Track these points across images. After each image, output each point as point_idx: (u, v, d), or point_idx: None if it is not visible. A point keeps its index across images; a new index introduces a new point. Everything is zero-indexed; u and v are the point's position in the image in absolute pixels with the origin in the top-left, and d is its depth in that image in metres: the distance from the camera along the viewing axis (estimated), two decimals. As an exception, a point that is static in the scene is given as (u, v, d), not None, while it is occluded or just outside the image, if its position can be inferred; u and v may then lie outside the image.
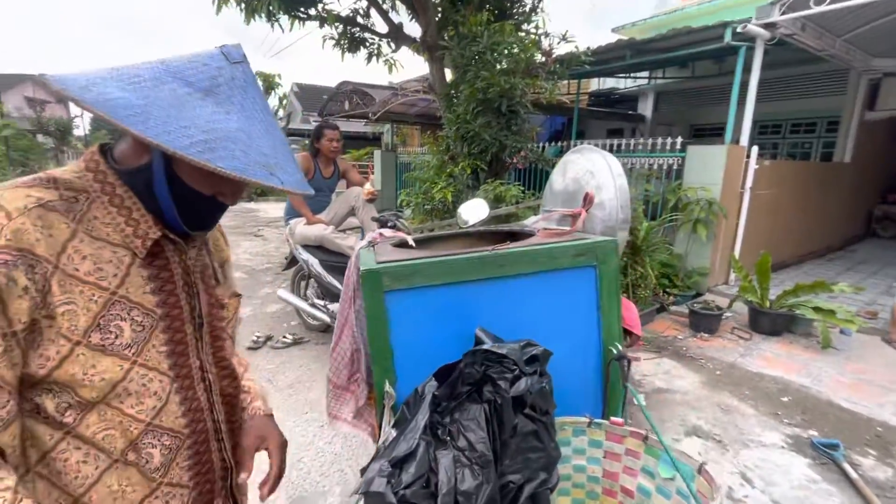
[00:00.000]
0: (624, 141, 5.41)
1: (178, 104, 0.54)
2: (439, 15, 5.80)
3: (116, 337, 0.60)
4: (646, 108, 9.38)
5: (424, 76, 7.24)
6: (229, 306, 0.80)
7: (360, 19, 6.19)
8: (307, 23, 6.03)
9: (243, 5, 5.48)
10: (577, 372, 0.80)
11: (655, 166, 5.09)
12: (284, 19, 5.81)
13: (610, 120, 9.73)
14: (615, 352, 0.77)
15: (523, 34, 5.49)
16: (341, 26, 6.14)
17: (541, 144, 6.55)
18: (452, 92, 5.41)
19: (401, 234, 1.06)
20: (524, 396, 0.59)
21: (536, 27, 5.61)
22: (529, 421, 0.62)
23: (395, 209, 6.55)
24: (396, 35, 6.11)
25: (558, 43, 5.24)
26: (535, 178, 6.34)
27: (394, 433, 0.63)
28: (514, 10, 6.02)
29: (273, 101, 16.34)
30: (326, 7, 5.95)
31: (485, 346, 0.61)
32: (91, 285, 0.58)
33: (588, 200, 0.89)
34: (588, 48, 5.59)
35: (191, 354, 0.70)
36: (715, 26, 4.62)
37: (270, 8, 5.42)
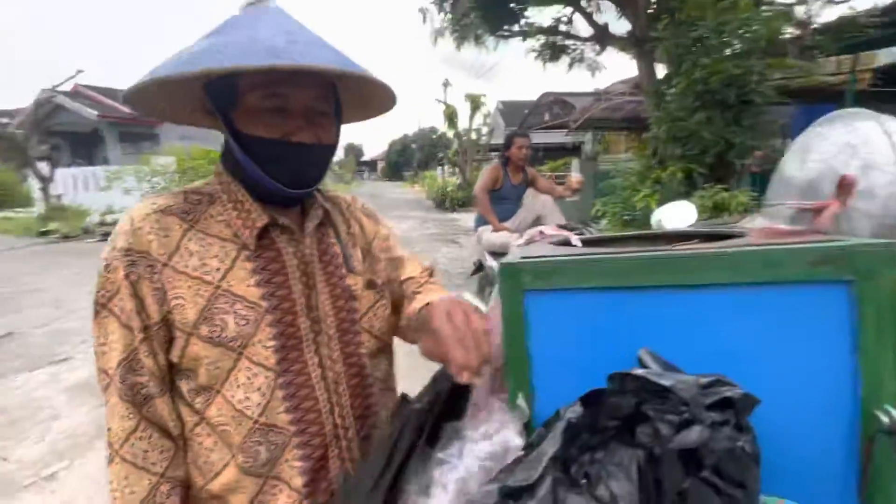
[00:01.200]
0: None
1: (183, 49, 0.59)
2: (654, 6, 5.25)
3: (222, 330, 0.61)
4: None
5: (633, 77, 6.67)
6: (362, 299, 0.73)
7: (562, 27, 6.15)
8: (510, 40, 6.34)
9: (456, 34, 6.15)
10: (808, 437, 0.54)
11: None
12: (490, 40, 6.26)
13: (910, 103, 7.01)
14: (886, 421, 0.49)
15: (766, 6, 4.46)
16: (543, 37, 6.23)
17: (791, 141, 5.19)
18: (663, 87, 4.79)
19: (564, 233, 0.92)
20: (701, 453, 0.41)
21: (787, -6, 4.49)
22: (711, 489, 0.43)
23: (589, 221, 6.17)
24: (601, 36, 5.83)
25: (821, 7, 4.07)
26: (775, 184, 5.06)
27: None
28: (755, -19, 4.96)
29: (478, 119, 17.81)
30: (528, 21, 6.13)
31: (639, 371, 0.45)
32: (197, 280, 0.61)
33: (845, 187, 0.58)
34: (875, 6, 4.16)
35: (306, 350, 0.66)
36: None
37: (478, 32, 5.91)
